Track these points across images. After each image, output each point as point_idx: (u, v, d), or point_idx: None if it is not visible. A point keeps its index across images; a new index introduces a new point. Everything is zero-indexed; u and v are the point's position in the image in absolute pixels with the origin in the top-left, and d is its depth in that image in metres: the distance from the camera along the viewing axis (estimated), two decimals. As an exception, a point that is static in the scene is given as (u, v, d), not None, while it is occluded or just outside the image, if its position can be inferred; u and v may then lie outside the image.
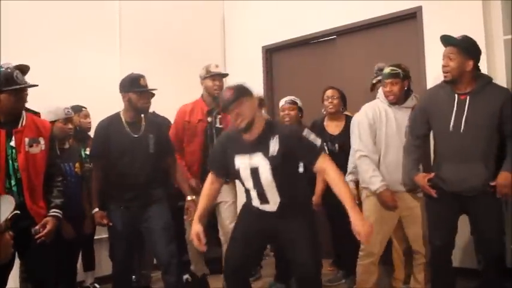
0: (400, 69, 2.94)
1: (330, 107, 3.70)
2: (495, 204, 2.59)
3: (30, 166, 2.47)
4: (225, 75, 3.60)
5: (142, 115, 3.10)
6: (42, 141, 2.55)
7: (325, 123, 3.78)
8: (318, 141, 2.29)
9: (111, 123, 3.07)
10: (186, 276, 3.80)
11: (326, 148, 3.50)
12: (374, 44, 4.42)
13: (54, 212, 2.54)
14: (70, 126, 3.27)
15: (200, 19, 5.27)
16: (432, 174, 2.71)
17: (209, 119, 3.41)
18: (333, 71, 4.58)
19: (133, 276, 3.69)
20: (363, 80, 3.98)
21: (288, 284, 3.62)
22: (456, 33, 2.68)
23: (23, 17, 3.74)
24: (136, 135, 3.04)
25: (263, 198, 2.38)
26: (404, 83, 2.93)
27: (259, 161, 2.31)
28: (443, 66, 2.60)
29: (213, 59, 3.81)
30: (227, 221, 3.32)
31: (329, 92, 3.75)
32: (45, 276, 2.58)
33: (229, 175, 2.59)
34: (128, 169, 2.99)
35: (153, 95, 3.35)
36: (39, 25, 3.85)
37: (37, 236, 2.42)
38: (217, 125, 3.42)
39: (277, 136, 2.30)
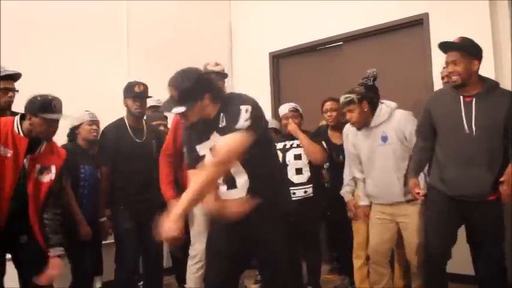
0: (354, 93, 2.92)
1: (330, 120, 3.73)
2: (497, 212, 2.56)
3: (37, 193, 2.45)
4: (224, 75, 3.26)
5: (143, 121, 3.25)
6: (53, 169, 2.52)
7: (329, 132, 3.79)
8: (244, 121, 1.98)
9: (117, 128, 3.19)
10: None
11: (332, 158, 3.55)
12: (380, 50, 4.43)
13: (57, 251, 2.46)
14: (95, 127, 3.27)
15: (207, 25, 5.31)
16: (422, 188, 2.72)
17: None
18: (339, 78, 4.58)
19: (141, 282, 3.70)
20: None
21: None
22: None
23: (29, 21, 3.76)
24: (139, 141, 3.15)
25: (230, 182, 2.15)
26: (362, 106, 2.90)
27: (218, 139, 2.09)
28: (450, 72, 2.56)
29: (220, 65, 3.80)
30: None
31: (328, 105, 3.74)
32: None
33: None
34: (133, 173, 3.09)
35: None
36: (45, 29, 3.87)
37: (40, 279, 2.37)
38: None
39: (223, 112, 2.10)
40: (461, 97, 2.56)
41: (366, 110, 2.89)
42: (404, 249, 3.01)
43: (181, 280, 3.84)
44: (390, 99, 3.06)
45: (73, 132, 3.26)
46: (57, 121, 2.46)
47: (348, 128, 3.17)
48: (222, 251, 2.20)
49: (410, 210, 2.85)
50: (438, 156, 2.67)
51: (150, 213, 3.08)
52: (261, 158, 2.12)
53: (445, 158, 2.63)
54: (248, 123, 1.97)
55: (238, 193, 2.13)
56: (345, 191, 3.30)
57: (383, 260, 2.98)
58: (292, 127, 3.44)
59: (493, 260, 2.58)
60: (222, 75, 3.21)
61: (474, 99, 2.53)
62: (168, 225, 1.90)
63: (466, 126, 2.51)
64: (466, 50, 2.53)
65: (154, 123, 3.62)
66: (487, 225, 2.54)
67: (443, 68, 3.07)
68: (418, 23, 4.13)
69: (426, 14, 4.03)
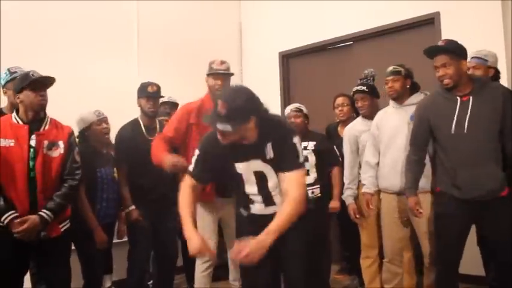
0: (402, 68, 3.05)
1: (341, 115, 3.74)
2: (509, 208, 2.53)
3: (47, 169, 2.53)
4: (229, 74, 3.19)
5: (156, 120, 3.36)
6: (61, 144, 2.62)
7: (338, 128, 3.80)
8: (302, 157, 2.10)
9: (132, 128, 3.29)
10: None
11: (338, 153, 3.54)
12: (391, 50, 4.40)
13: (43, 212, 2.49)
14: (105, 125, 3.28)
15: (217, 25, 5.33)
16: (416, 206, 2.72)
17: None
18: (349, 77, 4.56)
19: (151, 281, 3.73)
20: (379, 86, 3.97)
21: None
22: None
23: (40, 21, 3.81)
24: (152, 138, 3.17)
25: (269, 201, 2.23)
26: (406, 81, 3.01)
27: (261, 166, 2.15)
28: (442, 76, 2.55)
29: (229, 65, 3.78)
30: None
31: (339, 100, 3.76)
32: (58, 279, 2.64)
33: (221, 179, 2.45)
34: (147, 172, 3.12)
35: (176, 105, 3.72)
36: (56, 30, 3.92)
37: (14, 231, 2.40)
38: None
39: (270, 142, 2.10)
40: (457, 98, 2.55)
41: (407, 86, 3.01)
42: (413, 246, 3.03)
43: (192, 279, 3.86)
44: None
45: (83, 135, 3.24)
46: (42, 85, 2.56)
47: (359, 121, 3.30)
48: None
49: (422, 199, 2.81)
50: (443, 161, 2.63)
51: (164, 212, 3.27)
52: None
53: (451, 162, 2.59)
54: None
55: (276, 208, 2.18)
56: (347, 195, 3.32)
57: (397, 258, 2.99)
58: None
59: (505, 263, 2.54)
60: (227, 75, 3.16)
61: (471, 98, 2.52)
62: (252, 251, 1.88)
63: (466, 126, 2.50)
64: (454, 51, 2.55)
65: (159, 118, 3.64)
66: (500, 223, 2.51)
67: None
68: (429, 23, 4.10)
69: (437, 13, 4.00)
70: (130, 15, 4.53)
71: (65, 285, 2.70)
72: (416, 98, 2.96)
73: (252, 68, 5.48)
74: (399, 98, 3.00)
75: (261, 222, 2.11)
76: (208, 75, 3.15)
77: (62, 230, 2.63)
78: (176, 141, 3.02)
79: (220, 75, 3.11)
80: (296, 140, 2.09)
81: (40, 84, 2.56)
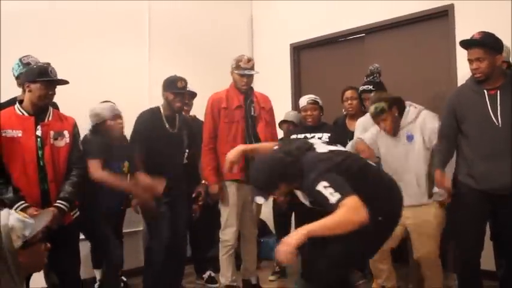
0: (382, 101, 2.87)
1: (350, 108, 3.73)
2: None
3: (55, 159, 2.58)
4: (251, 75, 3.43)
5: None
6: (66, 134, 2.67)
7: (346, 121, 3.79)
8: (334, 198, 1.93)
9: (152, 115, 3.28)
10: (208, 273, 3.85)
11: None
12: (403, 42, 4.35)
13: (59, 203, 2.54)
14: (120, 121, 3.28)
15: (228, 17, 5.31)
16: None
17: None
18: (360, 70, 4.51)
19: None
20: (391, 78, 3.94)
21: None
22: (488, 31, 2.62)
23: (50, 11, 3.81)
24: (172, 131, 3.26)
25: None
26: (393, 111, 2.87)
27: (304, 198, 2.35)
28: (475, 69, 2.54)
29: (241, 57, 3.78)
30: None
31: (348, 93, 3.75)
32: (69, 266, 2.69)
33: None
34: (164, 163, 3.16)
35: (195, 95, 3.78)
36: (67, 23, 3.92)
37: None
38: (252, 113, 3.41)
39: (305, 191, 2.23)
40: (485, 91, 2.55)
41: (396, 115, 2.90)
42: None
43: (200, 269, 3.89)
44: (413, 93, 3.04)
45: (96, 128, 3.19)
46: (54, 85, 2.60)
47: (366, 121, 3.21)
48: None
49: (426, 210, 2.83)
50: (465, 152, 2.65)
51: (179, 202, 3.29)
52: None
53: (473, 152, 2.61)
54: (334, 195, 1.94)
55: None
56: None
57: (381, 257, 2.93)
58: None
59: None
60: (250, 76, 3.40)
61: (498, 91, 2.53)
62: (288, 243, 1.89)
63: (493, 119, 2.50)
64: (489, 45, 2.51)
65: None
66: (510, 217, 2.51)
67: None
68: (442, 15, 4.04)
69: (451, 5, 3.94)
70: (142, 7, 4.52)
71: (75, 273, 2.75)
72: (407, 117, 2.90)
73: (264, 60, 5.43)
74: (397, 130, 2.92)
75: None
76: (235, 71, 3.38)
77: (73, 217, 2.69)
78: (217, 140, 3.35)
79: (246, 75, 3.35)
80: (320, 186, 1.98)
81: (55, 83, 2.61)
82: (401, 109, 2.92)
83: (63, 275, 2.71)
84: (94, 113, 3.19)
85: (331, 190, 1.95)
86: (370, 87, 3.36)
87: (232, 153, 2.58)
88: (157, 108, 3.34)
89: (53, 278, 2.83)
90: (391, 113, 2.87)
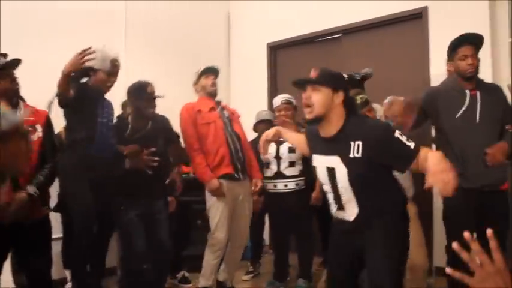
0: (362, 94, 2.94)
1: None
2: (506, 200, 2.60)
3: None
4: (217, 70, 3.37)
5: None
6: (39, 128, 2.60)
7: None
8: (412, 144, 1.88)
9: (120, 133, 3.03)
10: (182, 272, 3.80)
11: None
12: (379, 43, 4.40)
13: (28, 188, 2.44)
14: (113, 79, 3.02)
15: (205, 16, 5.26)
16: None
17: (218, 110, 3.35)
18: (337, 70, 4.54)
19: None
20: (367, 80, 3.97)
21: (286, 282, 3.64)
22: (462, 33, 2.68)
23: (26, 13, 3.69)
24: (144, 132, 3.04)
25: (339, 204, 2.06)
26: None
27: (337, 163, 1.98)
28: (470, 64, 2.63)
29: (217, 56, 3.76)
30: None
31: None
32: (40, 266, 2.59)
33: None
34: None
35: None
36: (42, 22, 3.81)
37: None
38: (226, 115, 3.37)
39: (361, 139, 1.92)
40: (467, 91, 2.65)
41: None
42: None
43: (174, 269, 3.82)
44: (388, 92, 3.05)
45: (85, 75, 2.91)
46: (7, 70, 2.50)
47: None
48: (340, 263, 2.15)
49: None
50: (451, 152, 2.66)
51: (156, 205, 3.07)
52: (377, 188, 2.01)
53: (461, 151, 2.65)
54: (412, 143, 1.89)
55: (346, 216, 2.05)
56: None
57: None
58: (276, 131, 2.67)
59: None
60: (215, 70, 3.33)
61: (478, 92, 2.64)
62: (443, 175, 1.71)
63: (478, 117, 2.61)
64: (480, 44, 2.68)
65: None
66: (499, 215, 2.57)
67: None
68: (417, 17, 4.10)
69: (426, 8, 4.01)
70: (119, 6, 4.44)
71: (45, 274, 2.63)
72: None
73: (240, 59, 5.44)
74: None
75: (341, 228, 2.10)
76: (200, 76, 3.34)
77: (44, 213, 2.61)
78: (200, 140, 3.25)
79: (212, 72, 3.28)
80: (397, 133, 1.89)
81: (9, 68, 2.51)
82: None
83: (33, 275, 2.58)
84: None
85: (405, 138, 1.89)
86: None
87: (270, 133, 2.40)
88: (126, 124, 3.05)
89: (20, 278, 2.74)
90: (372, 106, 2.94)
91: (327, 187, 2.08)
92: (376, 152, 1.88)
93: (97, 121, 2.92)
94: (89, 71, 2.89)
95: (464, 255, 1.05)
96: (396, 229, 2.01)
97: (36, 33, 3.74)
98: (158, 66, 3.90)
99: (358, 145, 1.91)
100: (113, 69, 2.99)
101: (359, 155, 1.91)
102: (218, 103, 3.39)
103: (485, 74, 3.07)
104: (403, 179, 2.58)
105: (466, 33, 2.68)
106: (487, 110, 2.61)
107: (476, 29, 2.94)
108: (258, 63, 5.27)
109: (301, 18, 4.92)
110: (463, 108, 2.64)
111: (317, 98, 1.98)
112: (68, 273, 3.51)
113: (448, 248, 2.72)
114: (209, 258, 3.24)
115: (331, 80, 2.01)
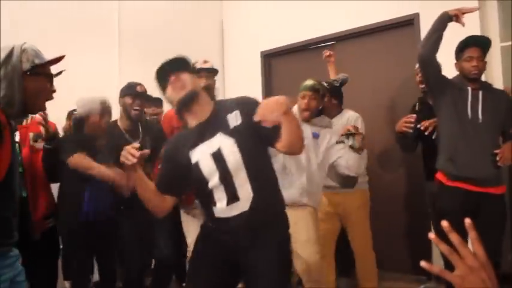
0: (320, 86, 2.92)
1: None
2: (503, 207, 2.68)
3: (34, 161, 2.51)
4: (214, 70, 3.19)
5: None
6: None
7: None
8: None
9: (109, 133, 3.00)
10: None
11: None
12: (372, 49, 4.45)
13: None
14: (107, 119, 2.96)
15: (198, 24, 5.30)
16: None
17: None
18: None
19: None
20: (360, 84, 4.01)
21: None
22: (453, 41, 2.72)
23: (19, 13, 3.71)
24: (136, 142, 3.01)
25: (232, 194, 1.89)
26: (320, 98, 2.93)
27: (220, 141, 1.90)
28: (475, 66, 2.71)
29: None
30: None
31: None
32: (47, 278, 2.62)
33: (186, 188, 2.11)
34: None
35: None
36: (36, 22, 3.83)
37: None
38: None
39: (236, 109, 1.95)
40: (469, 88, 2.73)
41: (320, 105, 2.94)
42: None
43: (182, 277, 3.79)
44: (381, 98, 3.10)
45: (79, 123, 2.92)
46: None
47: None
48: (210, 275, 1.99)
49: (300, 214, 2.72)
50: (448, 142, 2.76)
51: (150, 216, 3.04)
52: (265, 166, 2.03)
53: (456, 144, 2.71)
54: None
55: (240, 206, 1.90)
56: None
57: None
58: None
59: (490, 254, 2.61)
60: (212, 71, 3.16)
61: (480, 91, 2.72)
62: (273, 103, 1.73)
63: (480, 114, 2.67)
64: (487, 48, 2.77)
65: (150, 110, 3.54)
66: (494, 218, 2.62)
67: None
68: (409, 23, 4.15)
69: (417, 14, 4.06)
70: (112, 13, 4.48)
71: (51, 286, 2.64)
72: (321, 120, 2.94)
73: (234, 68, 5.47)
74: (309, 116, 2.88)
75: (224, 230, 1.94)
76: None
77: (49, 226, 2.63)
78: None
79: (206, 72, 3.09)
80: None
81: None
82: (333, 107, 3.23)
83: (38, 286, 2.53)
84: (80, 104, 2.91)
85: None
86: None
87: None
88: (113, 122, 3.05)
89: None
90: (319, 98, 2.89)
91: (215, 180, 1.90)
92: (251, 117, 1.79)
93: None
94: (81, 121, 2.86)
95: (442, 247, 0.97)
96: (287, 246, 1.99)
97: (28, 33, 3.71)
98: (152, 74, 3.86)
99: (235, 114, 1.95)
100: (103, 111, 2.94)
101: (240, 121, 1.93)
102: None
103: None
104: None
105: (474, 35, 2.78)
106: (486, 108, 2.68)
107: (467, 34, 2.99)
108: (252, 72, 5.30)
109: (295, 26, 4.96)
110: (464, 102, 2.72)
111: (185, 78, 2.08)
112: (67, 285, 3.50)
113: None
114: None
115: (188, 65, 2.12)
